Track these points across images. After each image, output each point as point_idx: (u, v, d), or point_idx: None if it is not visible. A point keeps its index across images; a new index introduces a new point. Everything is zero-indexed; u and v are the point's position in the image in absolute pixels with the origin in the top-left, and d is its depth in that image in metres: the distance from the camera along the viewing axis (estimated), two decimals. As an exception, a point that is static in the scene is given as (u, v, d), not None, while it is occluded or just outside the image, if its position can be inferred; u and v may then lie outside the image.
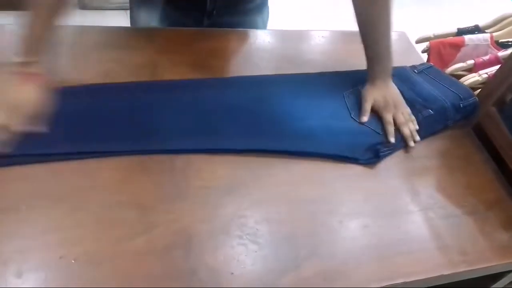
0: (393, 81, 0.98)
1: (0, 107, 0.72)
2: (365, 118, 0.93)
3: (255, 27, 1.15)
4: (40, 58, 0.76)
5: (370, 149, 0.89)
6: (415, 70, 1.06)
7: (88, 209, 0.68)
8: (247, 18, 1.13)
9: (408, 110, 0.95)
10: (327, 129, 0.90)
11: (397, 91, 0.96)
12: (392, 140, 0.90)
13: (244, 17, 1.12)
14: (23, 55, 0.75)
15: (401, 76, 1.02)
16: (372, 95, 0.95)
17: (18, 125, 0.72)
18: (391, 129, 0.91)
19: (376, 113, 0.94)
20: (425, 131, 0.95)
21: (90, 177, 0.72)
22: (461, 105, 0.98)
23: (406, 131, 0.92)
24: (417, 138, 0.93)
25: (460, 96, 0.98)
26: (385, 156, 0.89)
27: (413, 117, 0.94)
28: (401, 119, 0.93)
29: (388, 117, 0.93)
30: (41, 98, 0.75)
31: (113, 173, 0.73)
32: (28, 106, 0.74)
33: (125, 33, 1.03)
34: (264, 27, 1.19)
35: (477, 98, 1.00)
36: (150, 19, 1.06)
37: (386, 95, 0.94)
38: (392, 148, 0.90)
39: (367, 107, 0.94)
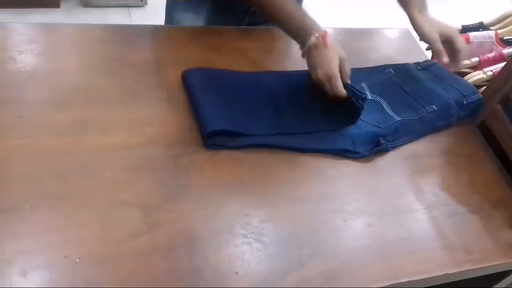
0: (396, 77, 0.98)
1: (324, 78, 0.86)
2: (445, 59, 0.96)
3: None
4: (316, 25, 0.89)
5: (372, 141, 0.88)
6: (419, 67, 1.05)
7: (92, 208, 0.68)
8: None
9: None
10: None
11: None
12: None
13: None
14: (312, 31, 0.87)
15: (405, 73, 1.02)
16: (434, 30, 0.97)
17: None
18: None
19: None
20: (429, 127, 0.95)
21: (93, 176, 0.72)
22: (464, 102, 0.97)
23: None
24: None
25: (463, 93, 0.98)
26: (387, 149, 0.89)
27: None
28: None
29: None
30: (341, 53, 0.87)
31: (117, 173, 0.73)
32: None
33: (128, 31, 1.02)
34: None
35: (481, 95, 0.99)
36: (197, 21, 1.09)
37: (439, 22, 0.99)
38: (392, 142, 0.90)
39: (440, 46, 0.97)
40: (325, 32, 0.87)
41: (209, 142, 0.80)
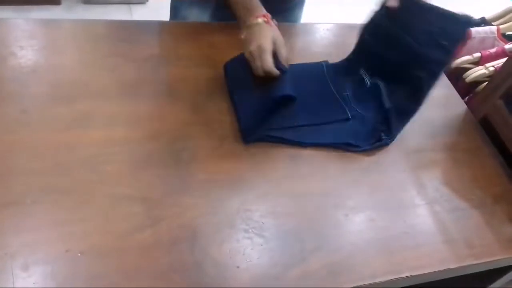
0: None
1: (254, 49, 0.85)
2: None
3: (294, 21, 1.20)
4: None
5: (373, 136, 0.88)
6: None
7: (94, 202, 0.68)
8: (286, 14, 1.17)
9: None
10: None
11: None
12: None
13: (284, 13, 1.15)
14: (257, 11, 0.89)
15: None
16: None
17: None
18: None
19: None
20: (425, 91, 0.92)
21: (96, 170, 0.72)
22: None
23: None
24: None
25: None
26: (387, 143, 0.89)
27: None
28: None
29: None
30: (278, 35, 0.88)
31: (119, 167, 0.73)
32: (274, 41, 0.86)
33: (129, 27, 1.02)
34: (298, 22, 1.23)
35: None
36: (202, 16, 1.10)
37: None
38: (392, 135, 0.90)
39: None
40: (268, 14, 0.90)
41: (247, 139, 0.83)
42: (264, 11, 0.90)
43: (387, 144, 0.89)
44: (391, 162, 0.88)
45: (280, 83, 0.85)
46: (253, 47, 0.85)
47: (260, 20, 0.88)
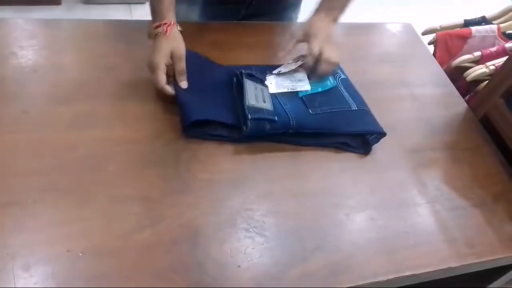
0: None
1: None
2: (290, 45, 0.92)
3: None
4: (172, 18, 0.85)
5: (361, 136, 0.88)
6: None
7: (94, 202, 0.68)
8: (283, 13, 1.16)
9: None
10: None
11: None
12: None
13: (280, 12, 1.15)
14: (160, 19, 0.84)
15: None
16: (304, 30, 0.91)
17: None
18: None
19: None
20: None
21: (96, 170, 0.72)
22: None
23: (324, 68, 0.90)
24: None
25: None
26: (374, 142, 0.88)
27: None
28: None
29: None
30: (181, 44, 0.83)
31: (119, 167, 0.73)
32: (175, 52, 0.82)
33: (129, 27, 1.02)
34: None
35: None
36: (191, 13, 1.07)
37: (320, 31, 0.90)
38: (378, 134, 0.88)
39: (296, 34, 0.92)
40: (172, 22, 0.84)
41: (188, 132, 0.80)
42: (169, 17, 0.84)
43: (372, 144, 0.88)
44: (391, 161, 0.88)
45: (187, 107, 0.81)
46: (147, 63, 0.82)
47: (158, 30, 0.83)
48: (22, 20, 0.95)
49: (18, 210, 0.65)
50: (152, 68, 0.82)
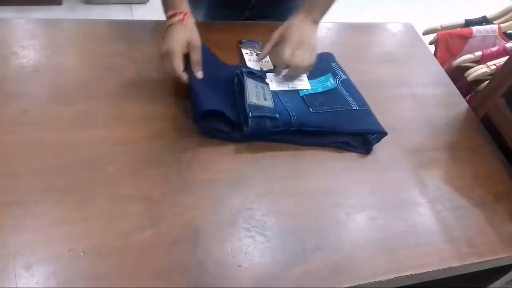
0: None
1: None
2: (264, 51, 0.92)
3: None
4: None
5: (362, 136, 0.88)
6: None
7: (95, 202, 0.68)
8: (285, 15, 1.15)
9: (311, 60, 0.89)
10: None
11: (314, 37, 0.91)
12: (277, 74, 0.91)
13: (281, 16, 1.14)
14: (175, 8, 0.84)
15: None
16: (279, 32, 0.90)
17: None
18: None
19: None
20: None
21: (97, 170, 0.72)
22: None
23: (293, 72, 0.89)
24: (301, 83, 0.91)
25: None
26: (375, 142, 0.88)
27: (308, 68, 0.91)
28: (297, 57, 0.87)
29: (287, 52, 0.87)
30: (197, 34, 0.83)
31: (120, 167, 0.73)
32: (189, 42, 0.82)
33: (130, 27, 1.02)
34: None
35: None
36: (195, 16, 1.08)
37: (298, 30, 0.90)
38: (379, 133, 0.88)
39: (267, 46, 0.91)
40: (189, 12, 0.85)
41: (199, 124, 0.80)
42: (183, 7, 0.85)
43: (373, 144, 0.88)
44: (392, 161, 0.88)
45: (199, 97, 0.81)
46: (163, 50, 0.81)
47: (175, 19, 0.83)
48: (23, 20, 0.95)
49: (18, 210, 0.65)
50: (168, 55, 0.80)
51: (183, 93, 0.87)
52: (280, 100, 0.87)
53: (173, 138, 0.80)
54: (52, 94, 0.81)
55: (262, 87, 0.87)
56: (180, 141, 0.80)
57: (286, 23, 0.92)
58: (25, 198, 0.66)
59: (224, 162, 0.79)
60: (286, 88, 0.90)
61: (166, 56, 0.81)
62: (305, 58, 0.89)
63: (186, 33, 0.82)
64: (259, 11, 1.12)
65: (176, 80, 0.83)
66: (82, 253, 0.62)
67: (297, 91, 0.91)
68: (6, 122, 0.75)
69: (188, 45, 0.82)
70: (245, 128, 0.81)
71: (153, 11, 2.47)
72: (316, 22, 0.93)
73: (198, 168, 0.77)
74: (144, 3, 2.48)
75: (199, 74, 0.84)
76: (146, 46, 0.96)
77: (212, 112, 0.79)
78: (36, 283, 0.59)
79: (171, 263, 0.64)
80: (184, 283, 0.63)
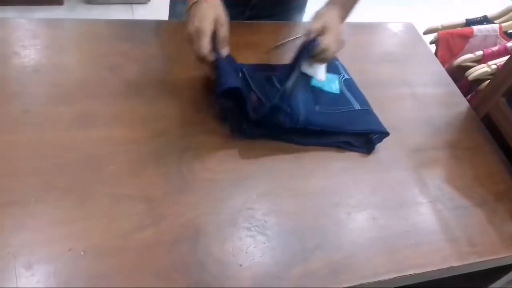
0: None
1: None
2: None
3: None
4: None
5: (364, 136, 0.88)
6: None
7: (95, 202, 0.68)
8: (288, 14, 1.16)
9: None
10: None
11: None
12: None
13: (282, 15, 1.15)
14: None
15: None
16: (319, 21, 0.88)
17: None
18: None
19: None
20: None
21: (98, 170, 0.72)
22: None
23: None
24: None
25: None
26: (377, 141, 0.88)
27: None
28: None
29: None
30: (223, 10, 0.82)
31: (120, 166, 0.73)
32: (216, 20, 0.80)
33: (131, 27, 1.02)
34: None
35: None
36: None
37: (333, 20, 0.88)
38: (381, 133, 0.88)
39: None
40: None
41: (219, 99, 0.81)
42: None
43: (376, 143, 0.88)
44: (392, 161, 0.88)
45: (224, 74, 0.81)
46: (191, 29, 0.79)
47: None
48: (24, 20, 0.95)
49: (19, 210, 0.65)
50: (197, 35, 0.78)
51: (183, 93, 0.87)
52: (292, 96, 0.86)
53: (174, 138, 0.80)
54: (52, 94, 0.81)
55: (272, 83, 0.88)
56: (181, 140, 0.80)
57: (324, 14, 0.89)
58: (25, 198, 0.66)
59: (225, 162, 0.79)
60: (305, 71, 0.89)
61: (195, 35, 0.79)
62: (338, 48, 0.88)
63: (213, 10, 0.81)
64: (260, 11, 1.12)
65: (198, 62, 0.82)
66: (82, 253, 0.62)
67: (309, 81, 0.90)
68: (6, 122, 0.75)
69: (216, 21, 0.81)
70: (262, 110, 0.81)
71: (154, 11, 2.48)
72: (343, 19, 0.93)
73: (199, 168, 0.77)
74: (145, 3, 2.48)
75: (226, 50, 0.83)
76: (147, 46, 0.96)
77: (233, 91, 0.79)
78: (37, 282, 0.59)
79: (172, 262, 0.64)
80: (185, 283, 0.63)
